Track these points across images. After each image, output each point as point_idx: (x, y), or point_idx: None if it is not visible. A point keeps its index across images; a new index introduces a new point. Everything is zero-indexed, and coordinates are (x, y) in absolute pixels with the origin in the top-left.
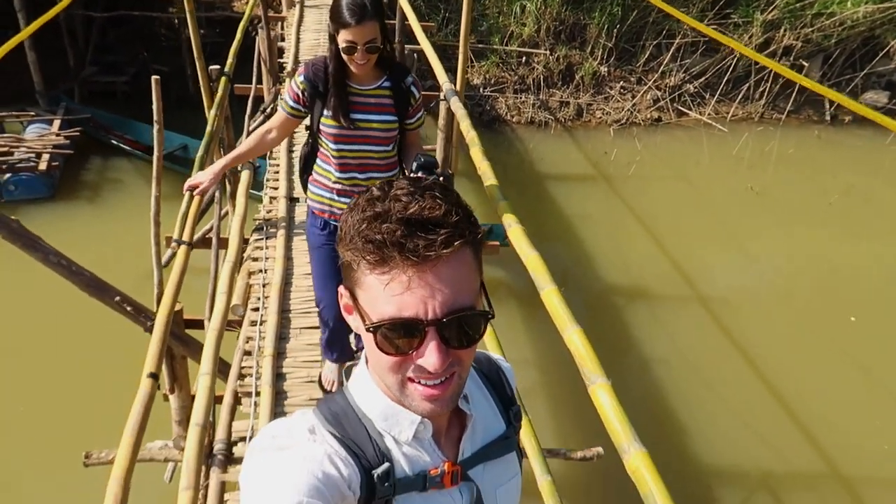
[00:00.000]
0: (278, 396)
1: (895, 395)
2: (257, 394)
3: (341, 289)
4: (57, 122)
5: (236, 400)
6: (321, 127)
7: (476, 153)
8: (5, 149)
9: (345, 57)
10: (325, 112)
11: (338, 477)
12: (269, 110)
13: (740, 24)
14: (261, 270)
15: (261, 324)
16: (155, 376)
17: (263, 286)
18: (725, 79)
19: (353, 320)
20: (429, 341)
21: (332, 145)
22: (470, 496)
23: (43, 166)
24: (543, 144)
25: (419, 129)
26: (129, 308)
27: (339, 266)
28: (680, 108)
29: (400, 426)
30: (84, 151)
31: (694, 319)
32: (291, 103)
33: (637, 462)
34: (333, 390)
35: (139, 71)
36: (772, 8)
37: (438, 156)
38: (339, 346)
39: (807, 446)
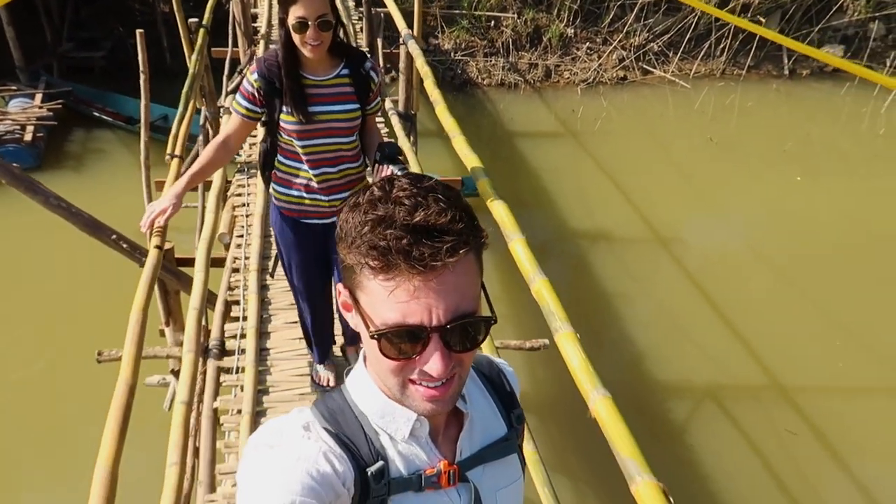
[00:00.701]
0: (263, 304)
1: (847, 322)
2: (245, 300)
3: (340, 287)
4: (38, 97)
5: (227, 308)
6: (282, 124)
7: (441, 111)
8: None
9: (296, 39)
10: (285, 108)
11: (332, 474)
12: (244, 70)
13: None
14: (244, 204)
15: (246, 246)
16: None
17: (247, 217)
18: (688, 37)
19: (353, 318)
20: (432, 347)
21: (297, 142)
22: (468, 497)
23: (28, 137)
24: (514, 105)
25: (376, 114)
26: (124, 245)
27: (315, 266)
28: (645, 66)
29: (396, 423)
30: (66, 124)
31: (652, 257)
32: (246, 104)
33: (601, 407)
34: (331, 385)
35: (115, 46)
36: None
37: (400, 97)
38: (323, 345)
39: (751, 361)
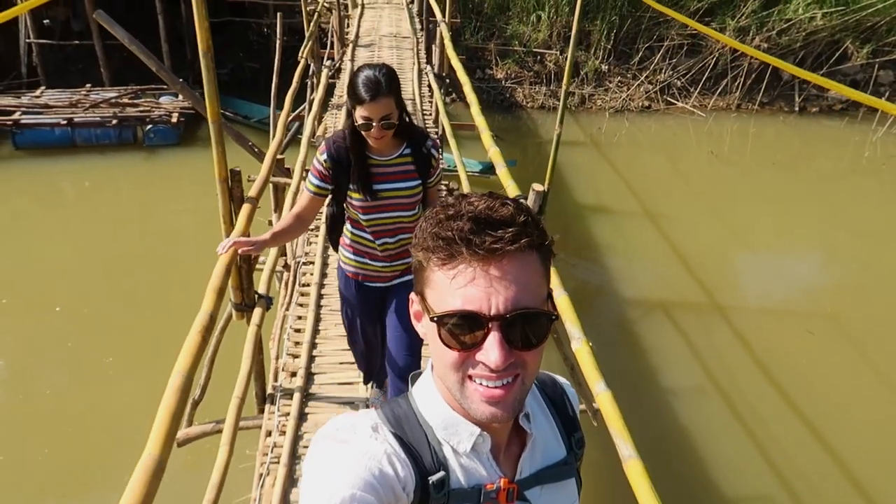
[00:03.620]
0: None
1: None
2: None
3: (412, 295)
4: (181, 95)
5: None
6: (349, 199)
7: (475, 110)
8: (148, 108)
9: (361, 132)
10: (351, 185)
11: (393, 477)
12: (337, 65)
13: (717, 29)
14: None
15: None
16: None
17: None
18: (707, 75)
19: (421, 327)
20: (491, 337)
21: (361, 216)
22: None
23: (174, 120)
24: (551, 123)
25: (437, 185)
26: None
27: (369, 322)
28: (668, 98)
29: (459, 436)
30: (199, 117)
31: (648, 233)
32: (317, 182)
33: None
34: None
35: (235, 67)
36: (741, 16)
37: (435, 63)
38: (370, 371)
39: (724, 325)
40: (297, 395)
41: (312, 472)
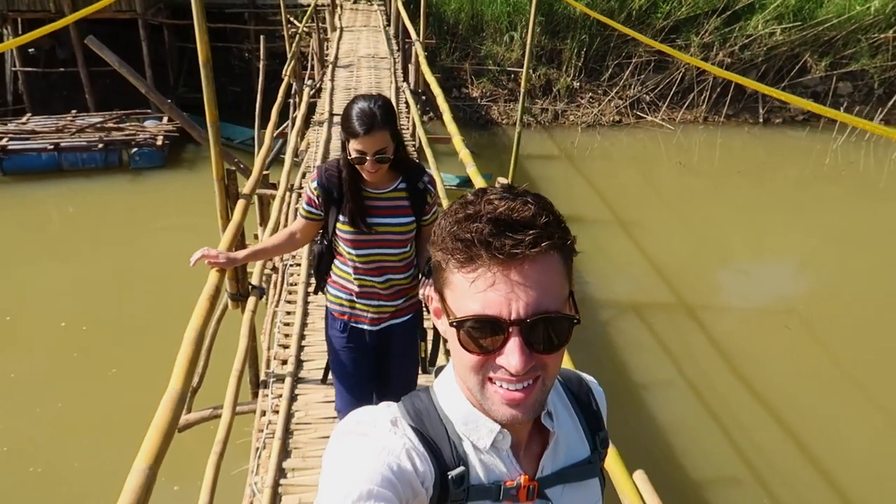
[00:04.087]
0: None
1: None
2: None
3: (431, 291)
4: (165, 118)
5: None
6: (337, 232)
7: (447, 118)
8: (133, 132)
9: (355, 166)
10: (341, 217)
11: (412, 472)
12: (318, 85)
13: (682, 46)
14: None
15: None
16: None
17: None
18: (674, 90)
19: (441, 324)
20: (512, 342)
21: (349, 250)
22: None
23: (159, 143)
24: (526, 139)
25: (432, 225)
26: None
27: (361, 369)
28: (638, 113)
29: (479, 433)
30: (183, 139)
31: (620, 240)
32: (308, 208)
33: None
34: None
35: (217, 91)
36: (705, 32)
37: (411, 80)
38: None
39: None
40: (288, 380)
41: (331, 467)
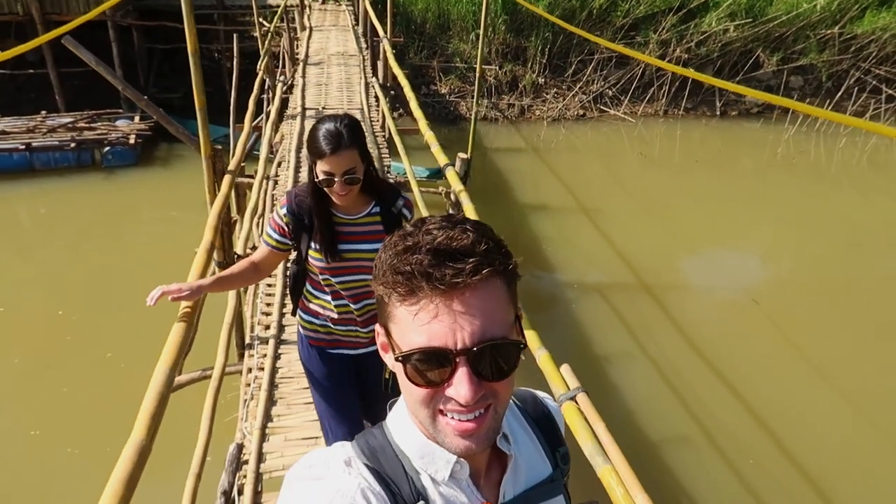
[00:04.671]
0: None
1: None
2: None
3: (377, 327)
4: (137, 118)
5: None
6: (310, 259)
7: (414, 106)
8: (105, 131)
9: (324, 189)
10: (313, 245)
11: None
12: (290, 82)
13: (642, 42)
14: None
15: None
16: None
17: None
18: (635, 85)
19: (388, 359)
20: (459, 372)
21: (327, 276)
22: None
23: (131, 141)
24: (494, 133)
25: None
26: None
27: (344, 396)
28: (601, 107)
29: (436, 465)
30: (155, 138)
31: (583, 225)
32: (276, 237)
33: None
34: None
35: (187, 91)
36: (662, 29)
37: (380, 74)
38: None
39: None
40: (271, 342)
41: None
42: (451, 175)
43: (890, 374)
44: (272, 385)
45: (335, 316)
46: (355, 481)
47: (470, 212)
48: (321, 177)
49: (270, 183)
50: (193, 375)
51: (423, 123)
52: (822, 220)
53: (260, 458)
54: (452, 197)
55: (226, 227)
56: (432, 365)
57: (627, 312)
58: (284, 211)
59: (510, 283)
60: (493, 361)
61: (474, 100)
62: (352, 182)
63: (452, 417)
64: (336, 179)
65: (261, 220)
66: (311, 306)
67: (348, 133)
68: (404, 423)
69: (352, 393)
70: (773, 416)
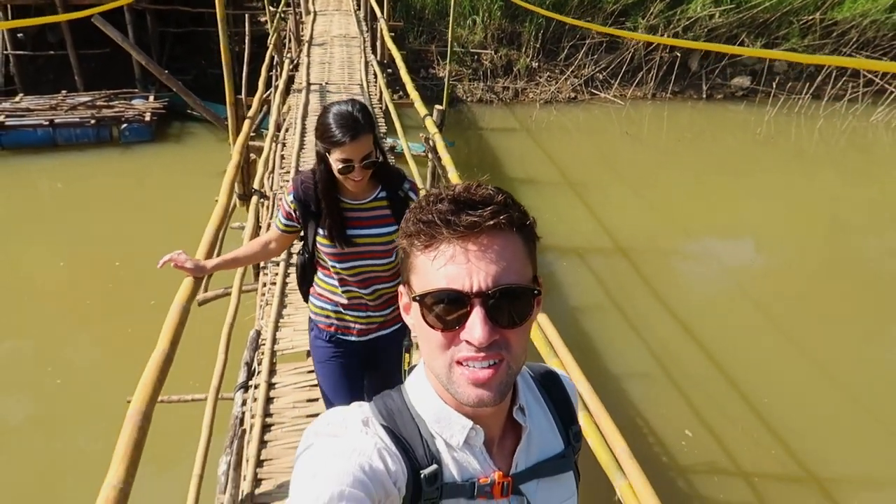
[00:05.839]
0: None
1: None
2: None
3: (401, 288)
4: (151, 97)
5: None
6: (318, 245)
7: (404, 73)
8: (123, 109)
9: (339, 176)
10: (321, 231)
11: (383, 472)
12: (296, 62)
13: (631, 27)
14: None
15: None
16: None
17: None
18: (625, 69)
19: (410, 319)
20: (474, 313)
21: (333, 263)
22: None
23: (147, 118)
24: (489, 115)
25: None
26: None
27: (349, 378)
28: (592, 90)
29: (451, 429)
30: (168, 116)
31: (567, 196)
32: (285, 221)
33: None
34: None
35: (198, 73)
36: (651, 15)
37: (378, 53)
38: None
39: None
40: (281, 264)
41: (302, 469)
42: (429, 122)
43: (854, 333)
44: (283, 294)
45: (345, 301)
46: (372, 441)
47: (443, 150)
48: (339, 165)
49: (279, 145)
50: (217, 292)
51: (410, 87)
52: (799, 192)
53: (274, 341)
54: (430, 142)
55: (245, 164)
56: (448, 307)
57: (604, 272)
58: (291, 198)
59: (528, 240)
60: (508, 307)
61: (448, 60)
62: (369, 167)
63: (468, 366)
64: (355, 166)
65: (272, 176)
66: (322, 292)
67: (363, 117)
68: (422, 387)
69: (355, 378)
70: (736, 364)
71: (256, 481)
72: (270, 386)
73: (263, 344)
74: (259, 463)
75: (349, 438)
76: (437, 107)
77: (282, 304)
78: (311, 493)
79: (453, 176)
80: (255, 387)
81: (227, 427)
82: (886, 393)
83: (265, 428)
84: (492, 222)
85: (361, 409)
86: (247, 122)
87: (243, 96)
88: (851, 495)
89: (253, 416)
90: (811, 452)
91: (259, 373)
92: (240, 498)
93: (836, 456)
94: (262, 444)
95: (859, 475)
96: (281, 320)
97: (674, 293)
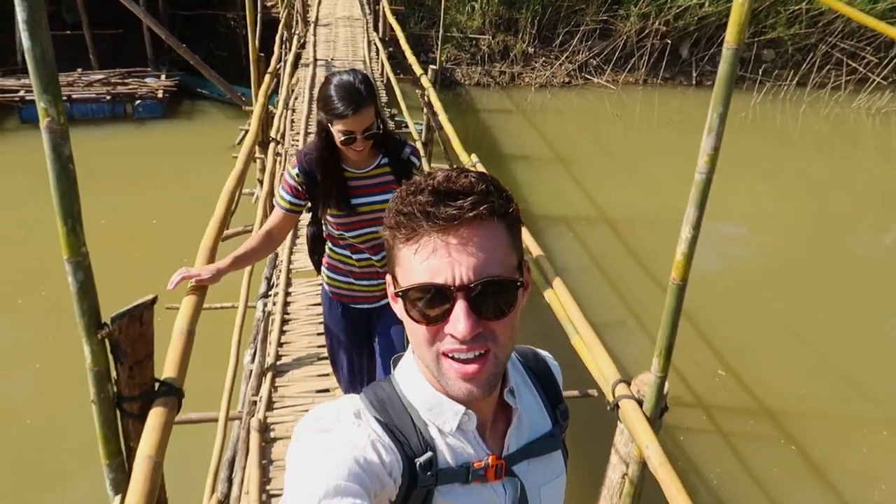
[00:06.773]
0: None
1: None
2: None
3: (387, 278)
4: (163, 76)
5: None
6: (327, 216)
7: (404, 45)
8: (136, 87)
9: (342, 147)
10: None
11: (378, 464)
12: (302, 41)
13: (624, 15)
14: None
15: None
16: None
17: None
18: (617, 55)
19: (398, 308)
20: (457, 307)
21: (342, 232)
22: (514, 492)
23: (159, 95)
24: (486, 98)
25: None
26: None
27: (356, 348)
28: (586, 76)
29: (444, 416)
30: (180, 94)
31: (556, 170)
32: (289, 198)
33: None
34: None
35: (206, 55)
36: (643, 3)
37: (380, 30)
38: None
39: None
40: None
41: (296, 465)
42: (424, 79)
43: (827, 301)
44: (293, 243)
45: (357, 270)
46: (365, 433)
47: (436, 100)
48: (341, 137)
49: (290, 112)
50: (238, 229)
51: (408, 52)
52: (781, 171)
53: (290, 262)
54: (426, 98)
55: (265, 115)
56: (431, 301)
57: (587, 239)
58: (297, 171)
59: (511, 227)
60: (492, 300)
61: (439, 35)
62: (371, 138)
63: (454, 358)
64: (358, 137)
65: (283, 137)
66: (334, 262)
67: (365, 89)
68: (412, 376)
69: (362, 344)
70: (703, 313)
71: (277, 356)
72: (287, 294)
73: (281, 263)
74: (280, 345)
75: (342, 432)
76: (432, 67)
77: (295, 234)
78: (307, 489)
79: (443, 118)
80: (275, 294)
81: (252, 328)
82: (858, 357)
83: (284, 322)
84: (472, 213)
85: (352, 402)
86: (267, 78)
87: (251, 83)
88: (807, 435)
89: (273, 314)
90: (775, 393)
91: (277, 284)
92: (266, 366)
93: (792, 389)
94: (282, 332)
95: (811, 410)
96: (294, 247)
97: (653, 259)
